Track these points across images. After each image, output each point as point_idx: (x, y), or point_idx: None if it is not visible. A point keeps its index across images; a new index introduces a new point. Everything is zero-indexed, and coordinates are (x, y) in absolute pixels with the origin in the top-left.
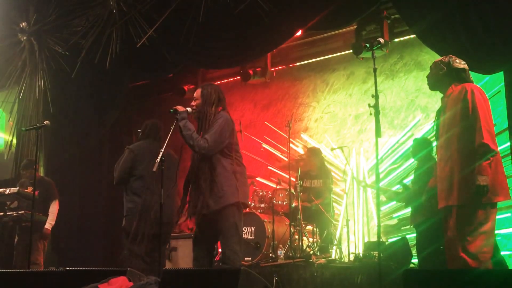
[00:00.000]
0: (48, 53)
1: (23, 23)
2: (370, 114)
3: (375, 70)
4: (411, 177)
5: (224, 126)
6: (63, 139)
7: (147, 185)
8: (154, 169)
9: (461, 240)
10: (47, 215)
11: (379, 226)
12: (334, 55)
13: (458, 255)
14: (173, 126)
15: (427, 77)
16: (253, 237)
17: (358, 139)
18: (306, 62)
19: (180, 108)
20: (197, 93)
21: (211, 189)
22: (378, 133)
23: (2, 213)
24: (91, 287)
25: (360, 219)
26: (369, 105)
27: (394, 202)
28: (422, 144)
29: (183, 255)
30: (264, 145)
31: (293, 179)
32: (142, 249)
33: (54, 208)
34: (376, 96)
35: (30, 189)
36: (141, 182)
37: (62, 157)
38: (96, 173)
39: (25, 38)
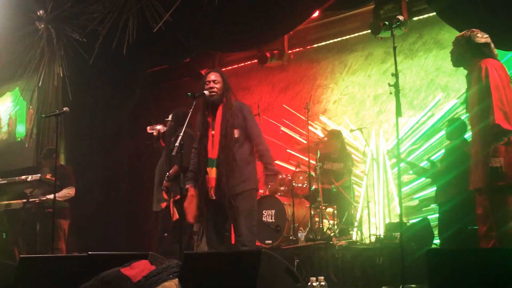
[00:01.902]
0: (66, 41)
1: (41, 11)
2: (390, 93)
3: (394, 48)
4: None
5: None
6: (82, 126)
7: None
8: (174, 153)
9: (492, 220)
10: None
11: (401, 206)
12: (352, 35)
13: (488, 235)
14: (191, 110)
15: (450, 53)
16: (273, 220)
17: (377, 120)
18: (323, 43)
19: None
20: (216, 76)
21: (238, 171)
22: (398, 112)
23: (25, 200)
24: (114, 271)
25: (381, 200)
26: (389, 84)
27: (415, 183)
28: (452, 121)
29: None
30: (283, 128)
31: (312, 161)
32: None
33: (66, 191)
34: (396, 75)
35: (49, 176)
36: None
37: (82, 143)
38: (116, 158)
39: (42, 26)
